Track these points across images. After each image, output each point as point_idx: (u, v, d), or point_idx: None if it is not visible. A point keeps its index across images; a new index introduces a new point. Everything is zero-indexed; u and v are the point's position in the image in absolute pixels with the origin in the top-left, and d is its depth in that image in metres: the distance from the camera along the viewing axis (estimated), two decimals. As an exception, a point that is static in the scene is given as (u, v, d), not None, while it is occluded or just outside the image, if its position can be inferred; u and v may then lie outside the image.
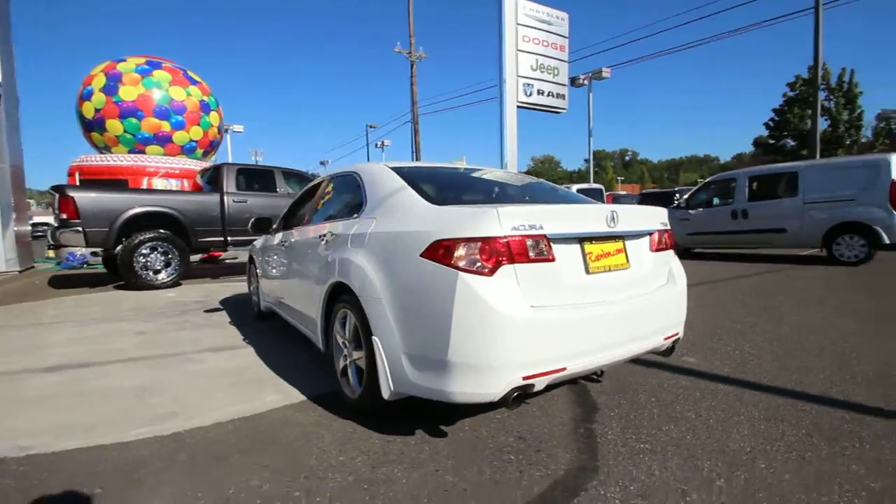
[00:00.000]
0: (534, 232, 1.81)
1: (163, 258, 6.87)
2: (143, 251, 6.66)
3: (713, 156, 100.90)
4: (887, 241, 6.89)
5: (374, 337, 2.04)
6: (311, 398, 2.59)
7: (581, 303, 1.91)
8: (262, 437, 2.14)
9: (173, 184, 11.15)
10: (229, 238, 7.56)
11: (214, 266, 10.17)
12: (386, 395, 2.03)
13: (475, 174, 2.94)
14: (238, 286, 7.07)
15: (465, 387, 1.75)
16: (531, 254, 1.80)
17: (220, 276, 8.61)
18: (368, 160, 39.68)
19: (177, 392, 2.71)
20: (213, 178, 8.13)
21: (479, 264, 1.74)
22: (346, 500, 1.65)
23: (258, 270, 4.34)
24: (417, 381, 1.88)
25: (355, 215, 2.52)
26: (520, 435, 2.12)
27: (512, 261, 1.77)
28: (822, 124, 25.33)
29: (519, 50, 14.08)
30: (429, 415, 2.30)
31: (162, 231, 6.84)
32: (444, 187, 2.52)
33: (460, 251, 1.75)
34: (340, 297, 2.45)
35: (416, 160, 28.28)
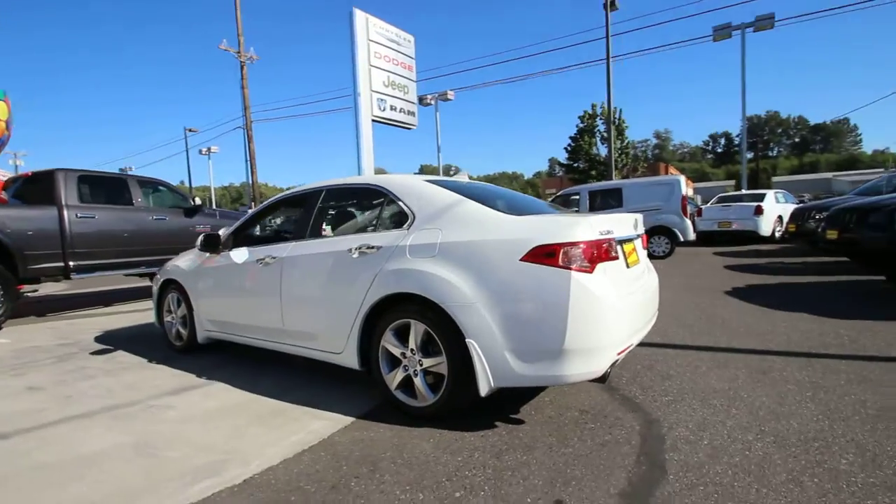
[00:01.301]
0: (609, 236, 2.24)
1: (-24, 295, 5.14)
2: (-53, 287, 4.88)
3: (519, 172, 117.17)
4: (682, 240, 9.41)
5: (468, 340, 2.17)
6: (361, 417, 2.51)
7: (629, 292, 2.40)
8: (356, 461, 2.06)
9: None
10: (72, 264, 6.04)
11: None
12: (484, 391, 2.18)
13: (494, 189, 3.21)
14: (94, 322, 5.73)
15: (579, 368, 2.06)
16: (610, 253, 2.22)
17: (45, 313, 6.75)
18: (189, 167, 34.90)
19: (190, 440, 2.30)
20: (29, 190, 6.37)
21: (583, 263, 2.08)
22: (505, 486, 1.79)
23: (194, 295, 3.73)
24: (525, 372, 2.10)
25: (402, 227, 2.55)
26: (580, 409, 2.50)
27: (601, 260, 2.15)
28: (603, 150, 32.09)
29: (372, 66, 14.41)
30: (489, 409, 2.50)
31: (-28, 258, 5.12)
32: (495, 200, 2.72)
33: (567, 253, 2.06)
34: (392, 308, 2.46)
35: (252, 169, 25.97)
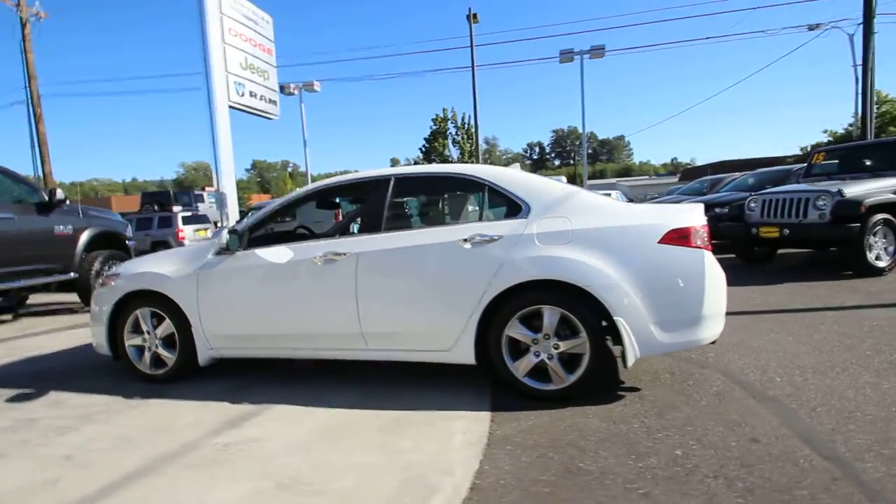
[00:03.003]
0: (706, 220, 2.66)
1: None
2: None
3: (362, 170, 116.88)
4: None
5: (617, 318, 2.35)
6: (494, 410, 2.46)
7: None
8: (551, 447, 2.06)
9: None
10: None
11: None
12: (631, 362, 2.39)
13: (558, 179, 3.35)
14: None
15: (710, 331, 2.43)
16: (710, 234, 2.64)
17: None
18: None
19: (341, 465, 1.97)
20: None
21: (705, 242, 2.45)
22: (704, 438, 2.04)
23: (194, 308, 2.98)
24: (667, 340, 2.39)
25: (517, 217, 2.57)
26: (666, 371, 2.89)
27: (710, 239, 2.56)
28: (455, 152, 34.24)
29: (227, 44, 12.78)
30: (598, 382, 2.72)
31: None
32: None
33: (696, 235, 2.41)
34: (515, 297, 2.48)
35: (42, 157, 20.53)
